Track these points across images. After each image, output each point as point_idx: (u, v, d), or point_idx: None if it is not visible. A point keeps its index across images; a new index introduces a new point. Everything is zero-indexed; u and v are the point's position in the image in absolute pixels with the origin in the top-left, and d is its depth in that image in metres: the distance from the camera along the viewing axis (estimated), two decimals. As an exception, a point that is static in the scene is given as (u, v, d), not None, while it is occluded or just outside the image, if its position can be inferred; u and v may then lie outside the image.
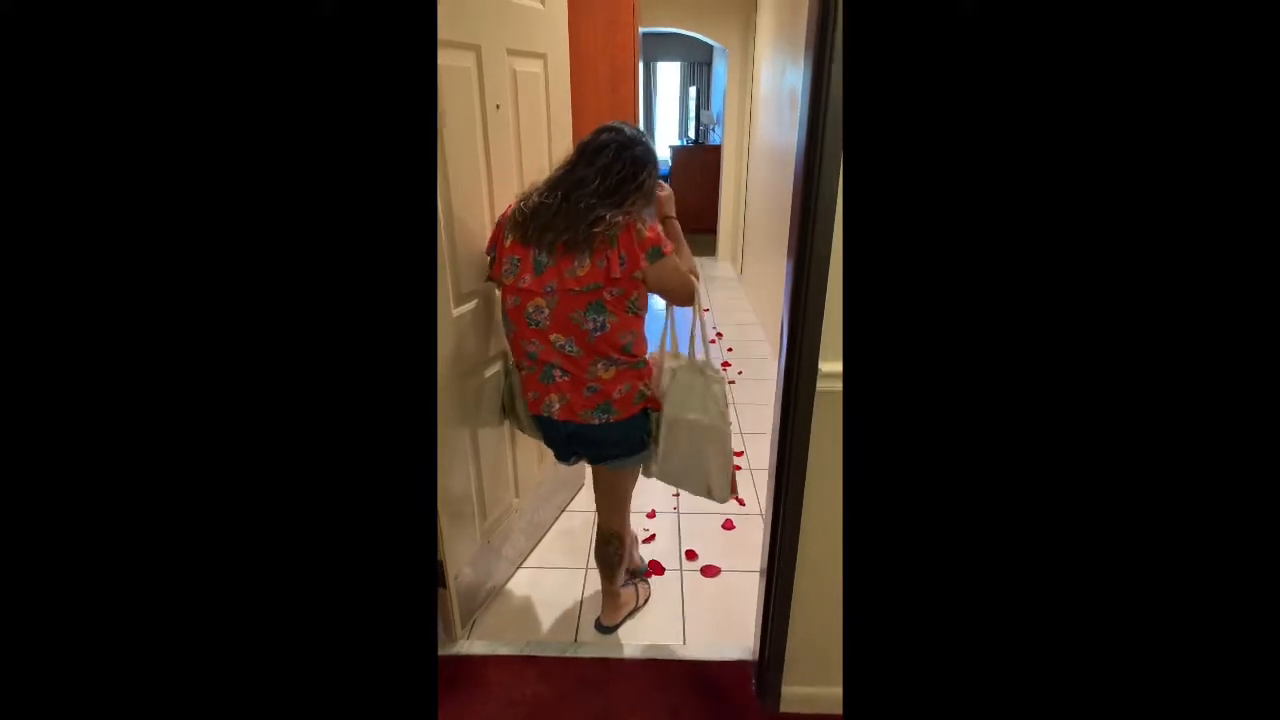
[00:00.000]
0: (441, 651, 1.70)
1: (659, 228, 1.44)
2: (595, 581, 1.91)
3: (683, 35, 5.35)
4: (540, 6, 1.76)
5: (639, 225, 1.37)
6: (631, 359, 1.47)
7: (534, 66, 1.76)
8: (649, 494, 2.34)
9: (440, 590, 1.67)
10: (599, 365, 1.45)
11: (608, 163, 1.37)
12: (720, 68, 6.43)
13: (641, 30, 2.80)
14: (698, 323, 1.47)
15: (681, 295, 1.44)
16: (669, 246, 1.41)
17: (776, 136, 3.72)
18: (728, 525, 2.19)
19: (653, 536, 2.14)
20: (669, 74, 8.78)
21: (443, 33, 1.37)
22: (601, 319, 1.40)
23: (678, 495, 2.35)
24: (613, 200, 1.36)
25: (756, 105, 4.47)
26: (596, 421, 1.50)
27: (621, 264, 1.35)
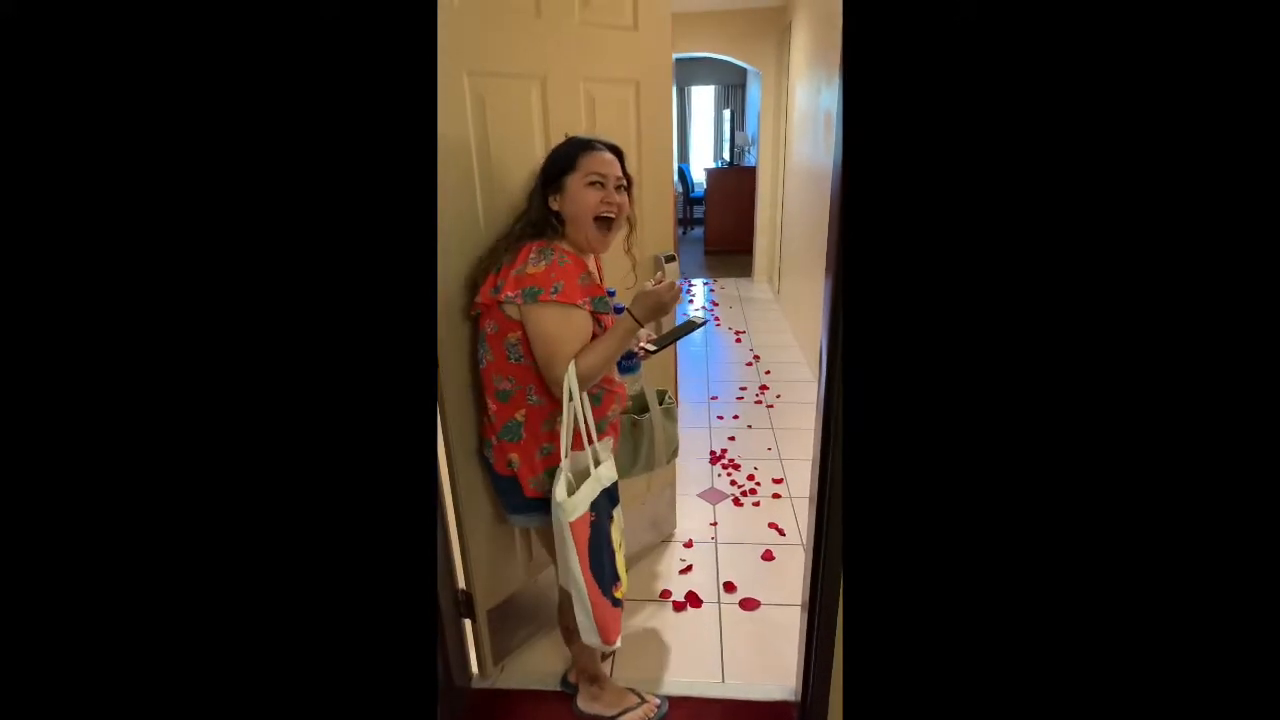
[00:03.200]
0: (472, 685, 1.66)
1: (560, 273, 1.15)
2: (634, 620, 1.86)
3: (716, 59, 5.38)
4: (632, 30, 1.60)
5: (535, 253, 1.17)
6: (506, 415, 1.28)
7: (621, 92, 1.63)
8: (685, 522, 2.28)
9: (469, 623, 1.63)
10: (487, 403, 1.32)
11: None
12: (754, 90, 6.44)
13: (675, 56, 2.80)
14: (565, 418, 1.19)
15: (545, 374, 1.20)
16: (558, 294, 1.14)
17: (812, 156, 3.67)
18: (767, 556, 2.11)
19: (690, 567, 2.07)
20: (703, 98, 8.84)
21: (498, 65, 1.33)
22: (482, 352, 1.28)
23: (715, 525, 2.28)
24: (527, 222, 1.24)
25: (791, 126, 4.43)
26: (486, 454, 1.39)
27: (494, 290, 1.21)
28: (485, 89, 1.33)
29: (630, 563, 2.03)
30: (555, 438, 1.28)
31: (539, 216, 1.23)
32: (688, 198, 7.84)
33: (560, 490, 1.21)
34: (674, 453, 1.67)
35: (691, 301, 5.20)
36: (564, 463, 1.23)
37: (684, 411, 3.15)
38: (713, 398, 3.33)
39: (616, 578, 1.33)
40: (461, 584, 1.62)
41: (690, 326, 1.31)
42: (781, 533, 2.23)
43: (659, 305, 1.20)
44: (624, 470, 1.58)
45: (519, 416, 1.28)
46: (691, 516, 2.33)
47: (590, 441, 1.25)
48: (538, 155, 1.44)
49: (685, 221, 7.91)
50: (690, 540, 2.20)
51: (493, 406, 1.30)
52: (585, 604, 1.26)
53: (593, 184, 1.20)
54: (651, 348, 1.31)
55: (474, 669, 1.68)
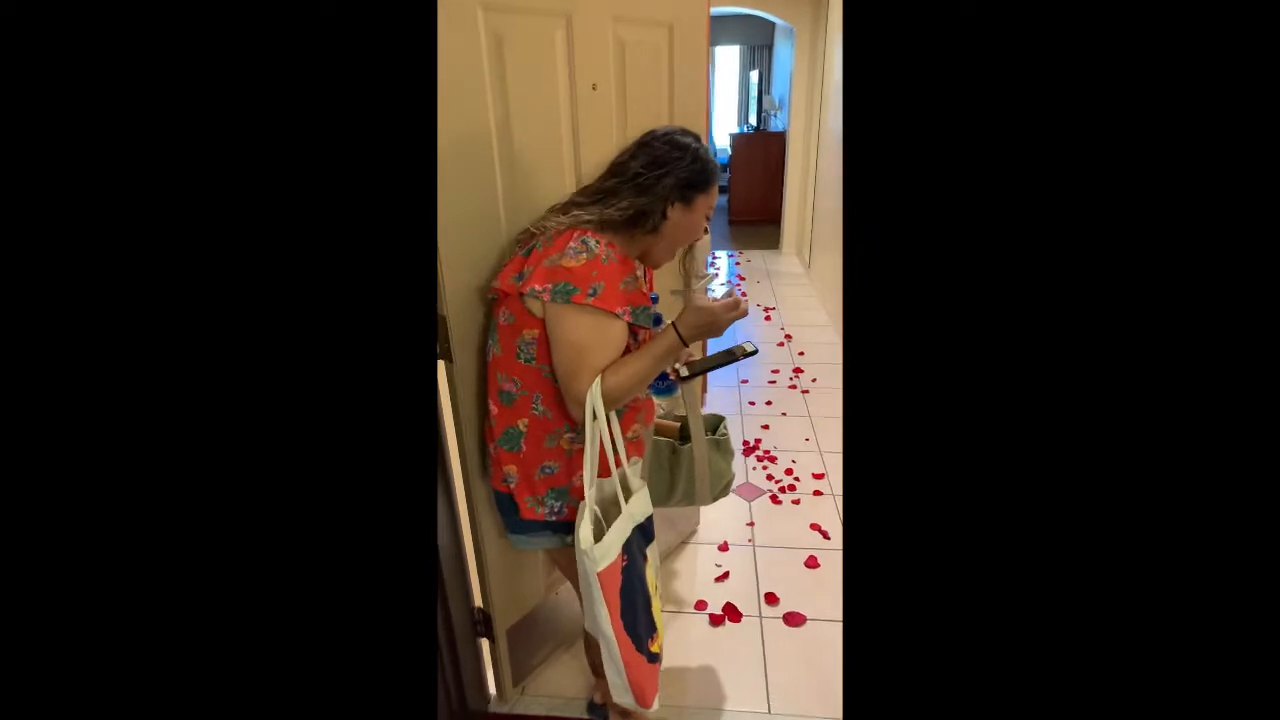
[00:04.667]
0: (491, 709, 1.51)
1: (603, 272, 0.96)
2: (667, 633, 1.69)
3: (742, 16, 5.05)
4: None
5: (577, 243, 0.97)
6: (507, 421, 1.08)
7: (654, 36, 1.40)
8: (720, 525, 2.10)
9: (488, 643, 1.47)
10: (488, 401, 1.12)
11: (622, 158, 1.05)
12: (784, 50, 6.08)
13: (708, 4, 2.53)
14: (588, 443, 1.00)
15: (564, 387, 1.00)
16: (595, 298, 0.94)
17: (853, 119, 3.39)
18: (811, 563, 1.92)
19: (726, 574, 1.89)
20: (727, 59, 8.43)
21: None
22: (490, 343, 1.09)
23: (752, 525, 2.10)
24: (598, 198, 1.03)
25: (828, 88, 4.13)
26: (484, 463, 1.20)
27: (519, 277, 1.01)
28: (503, 27, 1.10)
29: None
30: (559, 456, 1.09)
31: (649, 211, 1.01)
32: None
33: (586, 532, 1.01)
34: (724, 489, 1.41)
35: (735, 291, 4.94)
36: (589, 494, 1.02)
37: (712, 396, 2.96)
38: (743, 381, 3.12)
39: (654, 629, 1.14)
40: (478, 601, 1.45)
41: (737, 354, 1.05)
42: (826, 535, 2.04)
43: (713, 325, 1.00)
44: (656, 501, 1.37)
45: (521, 425, 1.08)
46: (726, 514, 2.15)
47: (618, 465, 1.05)
48: (561, 108, 1.24)
49: (708, 190, 7.60)
50: (725, 543, 2.01)
51: (494, 408, 1.10)
52: (617, 662, 1.08)
53: (707, 215, 1.07)
54: (685, 371, 1.07)
55: (492, 691, 1.53)
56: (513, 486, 1.12)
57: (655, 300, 1.22)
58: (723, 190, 7.03)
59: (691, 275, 1.14)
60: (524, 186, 1.20)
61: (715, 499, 1.41)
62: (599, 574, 1.01)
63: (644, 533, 1.11)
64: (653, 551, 1.16)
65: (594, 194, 1.04)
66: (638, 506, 1.09)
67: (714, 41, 7.99)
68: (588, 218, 1.01)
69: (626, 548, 1.06)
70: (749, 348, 1.05)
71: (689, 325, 0.99)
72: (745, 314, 1.01)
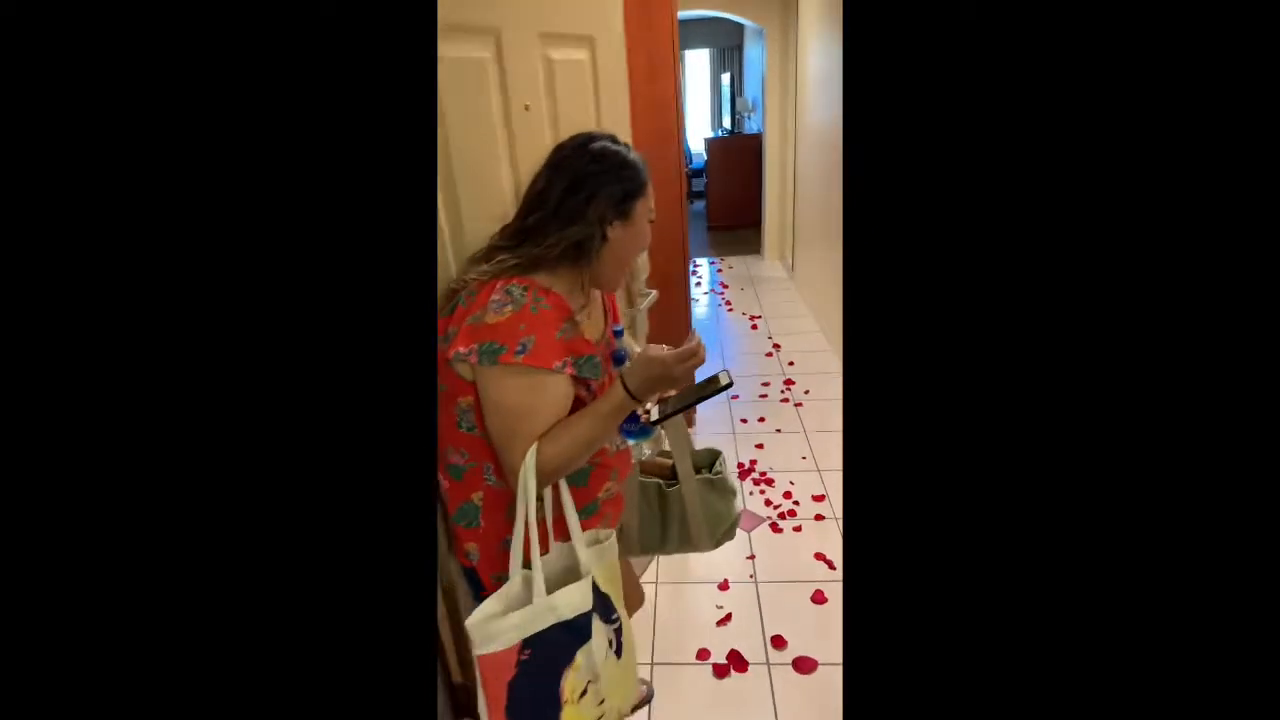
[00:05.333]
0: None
1: (531, 324, 0.83)
2: (668, 689, 1.55)
3: (710, 20, 4.96)
4: None
5: (500, 294, 0.84)
6: (460, 496, 0.96)
7: (578, 53, 1.34)
8: (719, 560, 1.97)
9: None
10: (438, 472, 0.98)
11: (537, 186, 0.91)
12: (754, 51, 6.00)
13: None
14: (517, 522, 0.87)
15: (499, 458, 0.88)
16: (525, 355, 0.82)
17: (830, 116, 3.30)
18: (818, 598, 1.80)
19: (728, 617, 1.76)
20: (697, 62, 8.35)
21: (447, 14, 0.95)
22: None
23: (753, 558, 1.97)
24: (522, 238, 0.89)
25: (803, 86, 4.04)
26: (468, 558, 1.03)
27: (444, 339, 0.88)
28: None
29: (633, 610, 1.72)
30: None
31: (586, 239, 0.87)
32: (685, 170, 7.42)
33: (479, 610, 0.85)
34: (728, 532, 1.26)
35: (702, 294, 4.83)
36: (512, 563, 0.87)
37: (702, 416, 2.83)
38: (733, 397, 3.00)
39: None
40: (457, 675, 1.31)
41: (712, 388, 0.92)
42: (831, 565, 1.92)
43: (664, 378, 0.86)
44: (649, 549, 1.23)
45: (475, 500, 0.95)
46: (725, 548, 2.01)
47: (559, 539, 0.91)
48: (497, 132, 1.12)
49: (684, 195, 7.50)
50: (726, 581, 1.88)
51: (444, 482, 0.97)
52: None
53: (650, 219, 0.93)
54: (656, 415, 0.96)
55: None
56: (475, 563, 1.00)
57: (619, 334, 1.06)
58: (700, 196, 6.95)
59: (635, 295, 1.00)
60: (466, 216, 1.07)
61: (717, 544, 1.26)
62: (478, 656, 0.85)
63: (573, 631, 0.90)
64: (591, 656, 0.92)
65: (516, 234, 0.90)
66: (570, 599, 0.89)
67: (684, 45, 7.90)
68: (514, 262, 0.87)
69: (535, 642, 0.87)
70: (724, 379, 0.91)
71: (638, 379, 0.86)
72: (703, 361, 0.88)
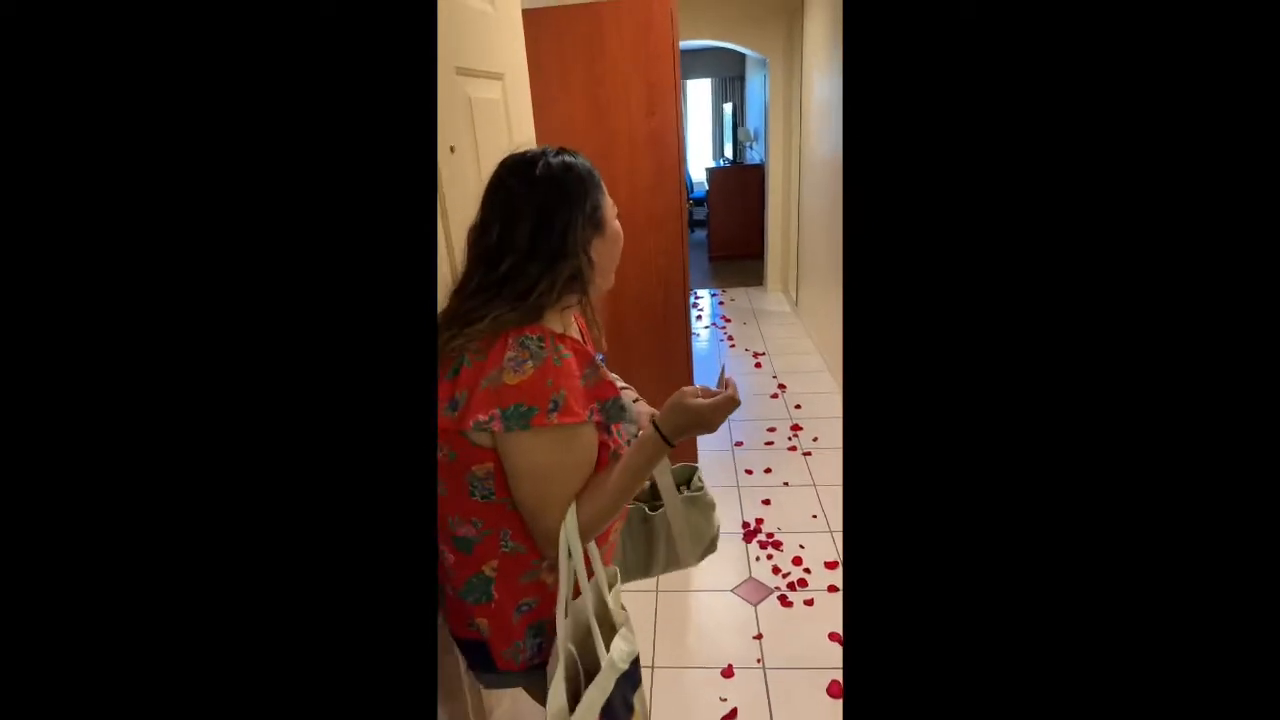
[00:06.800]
0: None
1: (559, 377, 0.77)
2: None
3: (712, 50, 4.90)
4: (490, 10, 1.24)
5: (515, 349, 0.77)
6: (469, 569, 0.87)
7: (492, 91, 1.24)
8: (723, 640, 1.77)
9: None
10: (440, 545, 0.89)
11: (491, 231, 0.82)
12: (755, 81, 5.93)
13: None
14: (562, 587, 0.82)
15: (531, 523, 0.83)
16: (559, 413, 0.76)
17: (836, 147, 3.17)
18: (835, 691, 1.60)
19: (734, 713, 1.56)
20: (698, 92, 8.31)
21: None
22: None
23: (760, 638, 1.77)
24: (502, 288, 0.80)
25: (807, 117, 3.93)
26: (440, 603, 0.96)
27: (451, 407, 0.79)
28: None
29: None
30: (539, 591, 0.89)
31: (578, 271, 0.83)
32: (686, 204, 7.33)
33: (558, 695, 0.81)
34: (710, 546, 1.19)
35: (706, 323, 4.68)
36: (558, 649, 0.82)
37: (705, 463, 2.65)
38: (737, 444, 2.82)
39: None
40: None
41: None
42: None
43: (698, 426, 0.82)
44: (637, 574, 1.15)
45: (488, 571, 0.87)
46: (729, 626, 1.82)
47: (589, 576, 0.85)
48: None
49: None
50: (730, 666, 1.68)
51: (450, 557, 0.89)
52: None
53: (615, 213, 0.89)
54: None
55: None
56: (485, 637, 0.91)
57: (602, 360, 0.94)
58: (701, 225, 6.83)
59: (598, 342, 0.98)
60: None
61: (701, 558, 1.18)
62: None
63: (630, 680, 0.88)
64: (639, 700, 0.93)
65: (493, 286, 0.81)
66: (621, 650, 0.86)
67: (685, 74, 7.87)
68: (512, 316, 0.79)
69: (608, 709, 0.84)
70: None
71: (672, 427, 0.81)
72: (738, 404, 0.82)
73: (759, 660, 1.70)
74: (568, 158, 0.84)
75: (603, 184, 0.86)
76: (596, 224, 0.84)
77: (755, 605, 1.89)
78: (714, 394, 0.81)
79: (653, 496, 1.14)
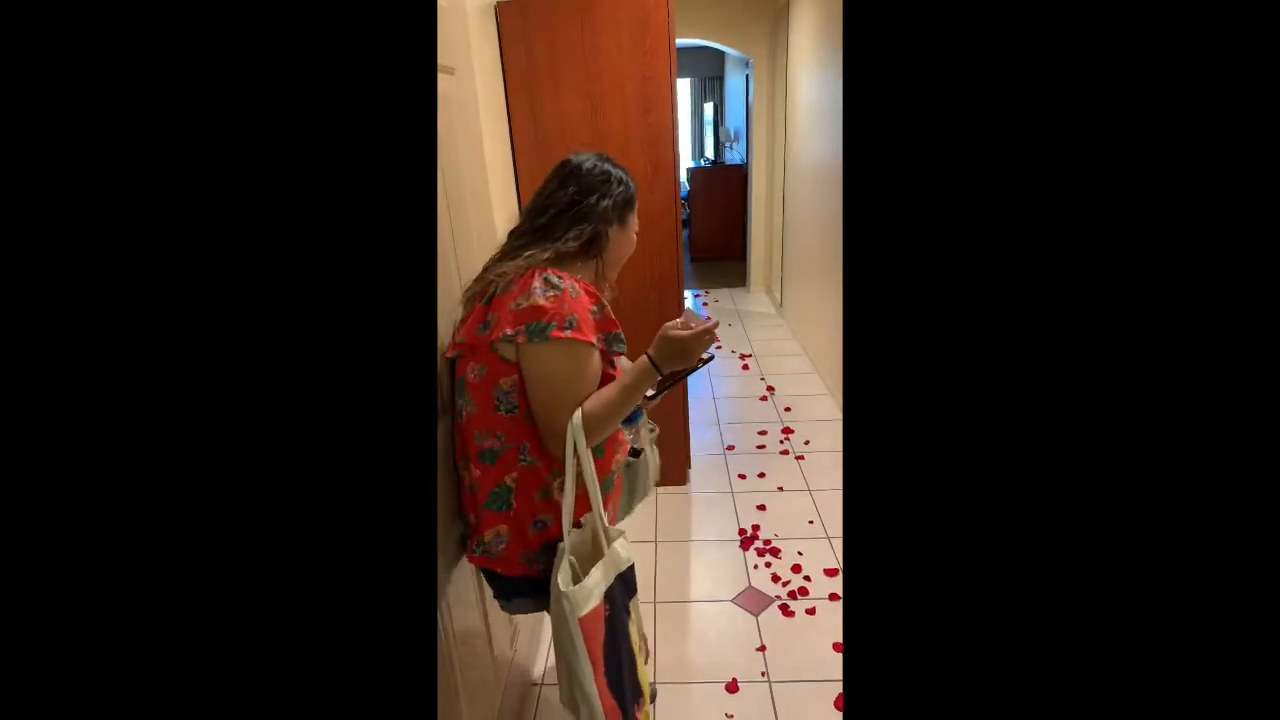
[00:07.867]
0: None
1: (574, 305, 0.94)
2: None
3: (692, 50, 4.86)
4: (444, 2, 1.18)
5: (541, 282, 0.94)
6: (493, 480, 1.02)
7: (444, 85, 1.16)
8: (726, 652, 1.73)
9: None
10: (467, 466, 1.05)
11: (547, 190, 1.05)
12: (734, 81, 5.91)
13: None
14: (567, 481, 0.98)
15: (543, 424, 0.98)
16: (572, 330, 0.93)
17: (826, 149, 3.16)
18: (842, 705, 1.56)
19: (740, 729, 1.51)
20: (680, 91, 8.27)
21: None
22: (462, 403, 1.03)
23: (763, 650, 1.73)
24: (540, 235, 1.02)
25: (792, 118, 3.91)
26: (476, 553, 1.07)
27: (484, 327, 0.97)
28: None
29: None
30: (553, 508, 1.03)
31: (597, 235, 1.03)
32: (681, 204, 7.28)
33: (564, 576, 0.97)
34: (658, 473, 1.40)
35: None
36: (566, 539, 0.99)
37: (698, 469, 2.61)
38: (729, 448, 2.79)
39: (639, 694, 1.07)
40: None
41: (696, 364, 1.05)
42: (852, 658, 1.68)
43: (683, 352, 0.99)
44: (623, 511, 1.30)
45: (509, 481, 1.02)
46: (731, 638, 1.78)
47: (597, 507, 1.01)
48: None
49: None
50: (734, 681, 1.64)
51: (476, 471, 1.03)
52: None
53: (635, 232, 1.11)
54: (652, 392, 1.05)
55: None
56: (502, 548, 1.04)
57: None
58: (683, 225, 6.79)
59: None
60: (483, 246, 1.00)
61: (655, 485, 1.39)
62: (580, 619, 0.96)
63: (626, 584, 1.06)
64: (635, 607, 1.10)
65: (532, 232, 1.03)
66: (620, 553, 1.04)
67: (664, 74, 7.87)
68: (544, 255, 0.99)
69: (609, 596, 1.01)
70: (705, 355, 1.03)
71: (663, 352, 0.98)
72: (715, 337, 1.00)
73: (763, 674, 1.66)
74: (622, 170, 1.06)
75: (637, 207, 1.08)
76: (622, 217, 1.05)
77: (756, 615, 1.85)
78: (693, 328, 0.97)
79: (632, 455, 1.33)
